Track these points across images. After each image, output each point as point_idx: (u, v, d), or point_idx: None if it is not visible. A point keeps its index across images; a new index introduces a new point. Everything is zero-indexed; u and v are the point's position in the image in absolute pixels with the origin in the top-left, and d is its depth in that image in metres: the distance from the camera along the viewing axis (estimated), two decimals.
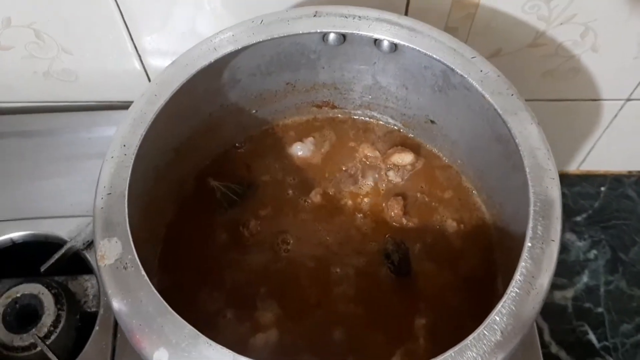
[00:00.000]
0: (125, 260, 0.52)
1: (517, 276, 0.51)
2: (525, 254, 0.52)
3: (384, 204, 0.72)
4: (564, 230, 0.96)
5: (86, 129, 0.84)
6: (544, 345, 0.90)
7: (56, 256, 0.73)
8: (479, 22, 0.75)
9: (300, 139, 0.76)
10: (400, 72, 0.69)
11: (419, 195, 0.73)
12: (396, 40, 0.63)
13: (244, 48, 0.63)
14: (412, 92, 0.71)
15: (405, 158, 0.73)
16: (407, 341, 0.64)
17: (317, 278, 0.68)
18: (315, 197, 0.72)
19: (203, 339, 0.49)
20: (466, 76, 0.60)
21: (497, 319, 0.49)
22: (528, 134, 0.57)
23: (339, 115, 0.78)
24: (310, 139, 0.76)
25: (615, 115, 0.90)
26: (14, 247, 0.77)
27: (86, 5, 0.74)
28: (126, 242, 0.53)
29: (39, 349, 0.68)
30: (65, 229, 0.76)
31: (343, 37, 0.65)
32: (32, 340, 0.69)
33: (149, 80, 0.84)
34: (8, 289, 0.71)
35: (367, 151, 0.75)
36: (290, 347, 0.64)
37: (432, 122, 0.72)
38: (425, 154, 0.75)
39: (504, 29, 0.76)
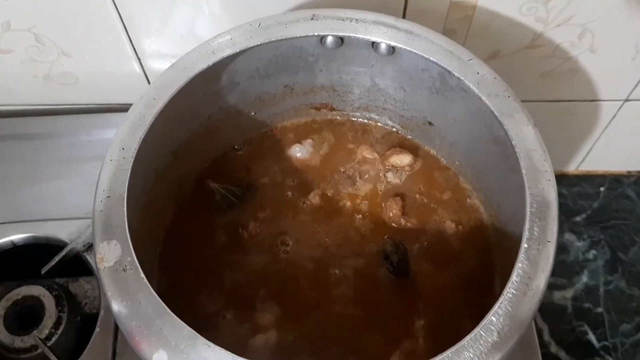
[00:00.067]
0: (125, 262, 0.52)
1: (514, 277, 0.51)
2: (521, 255, 0.52)
3: (382, 205, 0.72)
4: (563, 230, 0.97)
5: (86, 131, 0.85)
6: (544, 345, 0.90)
7: (57, 258, 0.73)
8: (476, 24, 0.75)
9: (299, 141, 0.76)
10: (398, 74, 0.69)
11: (417, 196, 0.73)
12: (393, 43, 0.63)
13: (242, 51, 0.64)
14: (410, 94, 0.71)
15: (403, 159, 0.74)
16: (406, 342, 0.64)
17: (316, 279, 0.68)
18: (314, 198, 0.73)
19: (202, 340, 0.49)
20: (463, 78, 0.61)
21: (494, 319, 0.50)
22: (524, 136, 0.58)
23: (338, 117, 0.78)
24: (309, 140, 0.76)
25: (614, 116, 0.90)
26: (15, 250, 0.77)
27: (86, 9, 0.74)
28: (125, 244, 0.53)
29: (40, 350, 0.69)
30: (66, 231, 0.76)
31: (341, 40, 0.65)
32: (33, 342, 0.69)
33: (149, 82, 0.84)
34: (9, 291, 0.71)
35: (366, 153, 0.75)
36: (289, 348, 0.64)
37: (430, 123, 0.73)
38: (424, 155, 0.75)
39: (502, 31, 0.76)
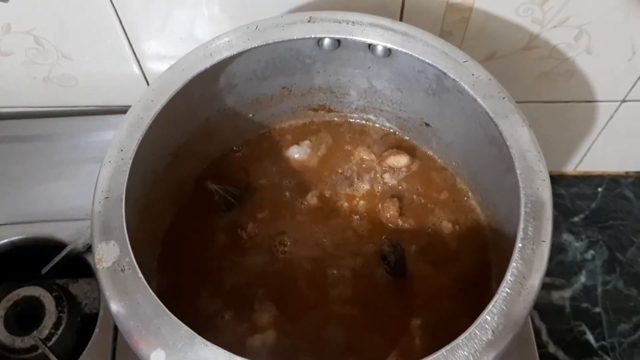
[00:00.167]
0: (123, 263, 0.53)
1: (508, 276, 0.52)
2: (516, 255, 0.52)
3: (380, 206, 0.72)
4: (561, 230, 0.97)
5: (86, 133, 0.85)
6: (542, 345, 0.90)
7: (57, 259, 0.73)
8: (473, 26, 0.75)
9: (296, 142, 0.77)
10: (394, 76, 0.70)
11: (414, 197, 0.73)
12: (389, 45, 0.63)
13: (240, 53, 0.64)
14: (406, 95, 0.71)
15: (400, 160, 0.74)
16: (404, 341, 0.65)
17: (314, 279, 0.69)
18: (312, 199, 0.73)
19: (199, 339, 0.49)
20: (458, 80, 0.61)
21: (489, 318, 0.50)
22: (519, 137, 0.58)
23: (335, 119, 0.79)
24: (307, 142, 0.77)
25: (611, 117, 0.90)
26: (15, 250, 0.78)
27: (85, 11, 0.74)
28: (124, 245, 0.54)
29: (40, 350, 0.69)
30: (66, 232, 0.77)
31: (337, 42, 0.66)
32: (34, 342, 0.69)
33: (148, 84, 0.85)
34: (10, 292, 0.72)
35: (363, 154, 0.75)
36: (287, 347, 0.64)
37: (427, 125, 0.73)
38: (421, 156, 0.76)
39: (499, 32, 0.76)
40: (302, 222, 0.72)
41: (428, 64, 0.63)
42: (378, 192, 0.74)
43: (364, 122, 0.78)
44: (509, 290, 0.51)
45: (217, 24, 0.76)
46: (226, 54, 0.64)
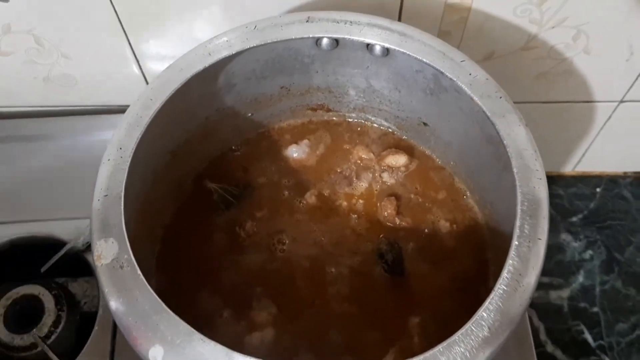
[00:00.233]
0: (122, 260, 0.53)
1: (505, 274, 0.52)
2: (512, 252, 0.53)
3: (378, 205, 0.73)
4: (560, 230, 0.97)
5: (85, 132, 0.85)
6: (540, 345, 0.91)
7: (56, 257, 0.74)
8: (471, 26, 0.76)
9: (295, 141, 0.77)
10: (392, 75, 0.70)
11: (412, 196, 0.73)
12: (387, 45, 0.64)
13: (238, 53, 0.64)
14: (404, 95, 0.72)
15: (398, 160, 0.74)
16: (401, 339, 0.65)
17: (312, 277, 0.69)
18: (311, 198, 0.73)
19: (197, 335, 0.49)
20: (455, 79, 0.61)
21: (485, 315, 0.50)
22: (516, 136, 0.58)
23: (334, 118, 0.79)
24: (306, 141, 0.77)
25: (609, 117, 0.91)
26: (15, 249, 0.78)
27: (85, 11, 0.75)
28: (122, 242, 0.54)
29: (39, 348, 0.69)
30: (65, 231, 0.77)
31: (336, 41, 0.66)
32: (33, 340, 0.69)
33: (147, 84, 0.85)
34: (9, 290, 0.72)
35: (362, 153, 0.76)
36: (285, 345, 0.65)
37: (425, 124, 0.73)
38: (419, 155, 0.76)
39: (497, 33, 0.76)
40: (301, 221, 0.72)
41: (426, 63, 0.63)
42: (376, 191, 0.74)
43: (362, 121, 0.78)
44: (505, 287, 0.51)
45: (216, 23, 0.76)
46: (225, 53, 0.64)
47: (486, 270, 0.68)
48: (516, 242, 0.53)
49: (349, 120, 0.79)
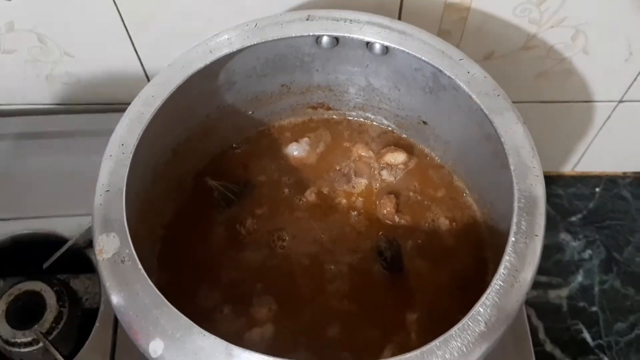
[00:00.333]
0: (123, 254, 0.54)
1: (501, 269, 0.52)
2: (509, 248, 0.53)
3: (377, 203, 0.73)
4: (559, 230, 0.98)
5: (88, 130, 0.86)
6: (539, 344, 0.91)
7: (58, 254, 0.74)
8: (471, 26, 0.76)
9: (295, 139, 0.77)
10: (392, 74, 0.70)
11: (411, 194, 0.74)
12: (386, 43, 0.64)
13: (239, 51, 0.65)
14: (404, 93, 0.72)
15: (397, 157, 0.74)
16: (400, 335, 0.65)
17: (312, 274, 0.69)
18: (310, 196, 0.74)
19: (197, 329, 0.50)
20: (454, 77, 0.62)
21: (481, 310, 0.51)
22: (513, 133, 0.59)
23: (334, 117, 0.79)
24: (306, 139, 0.77)
25: (609, 117, 0.91)
26: (17, 246, 0.78)
27: (87, 9, 0.75)
28: (124, 237, 0.54)
29: (41, 344, 0.69)
30: (67, 228, 0.77)
31: (336, 40, 0.66)
32: (35, 336, 0.69)
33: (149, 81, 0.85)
34: (11, 287, 0.72)
35: (361, 151, 0.76)
36: (285, 341, 0.65)
37: (424, 122, 0.74)
38: (418, 153, 0.76)
39: (496, 32, 0.77)
40: (301, 218, 0.73)
41: (425, 61, 0.63)
42: (376, 189, 0.74)
43: (362, 119, 0.79)
44: (501, 283, 0.52)
45: (217, 21, 0.76)
46: (226, 51, 0.64)
47: (484, 267, 0.68)
48: (513, 239, 0.54)
49: (349, 118, 0.79)
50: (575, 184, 1.03)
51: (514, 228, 0.54)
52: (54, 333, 0.70)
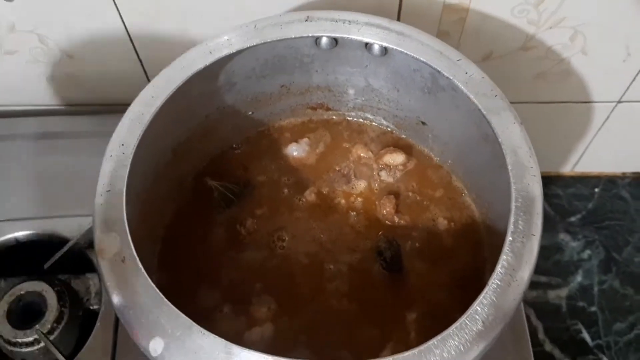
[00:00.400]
0: (123, 254, 0.54)
1: (499, 269, 0.53)
2: (506, 248, 0.54)
3: (376, 203, 0.73)
4: (558, 230, 0.98)
5: (89, 130, 0.86)
6: (538, 344, 0.91)
7: (59, 254, 0.74)
8: (469, 26, 0.76)
9: (295, 140, 0.77)
10: (391, 74, 0.70)
11: (410, 194, 0.74)
12: (385, 44, 0.65)
13: (239, 51, 0.65)
14: (403, 94, 0.72)
15: (397, 158, 0.75)
16: (399, 335, 0.65)
17: (311, 274, 0.69)
18: (310, 196, 0.74)
19: (197, 328, 0.50)
20: (452, 78, 0.62)
21: (479, 309, 0.51)
22: (510, 133, 0.59)
23: (333, 117, 0.79)
24: (305, 140, 0.77)
25: (607, 118, 0.91)
26: (19, 246, 0.79)
27: (88, 11, 0.75)
28: (124, 236, 0.55)
29: (42, 344, 0.70)
30: (68, 228, 0.77)
31: (335, 41, 0.67)
32: (36, 336, 0.70)
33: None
34: (12, 287, 0.72)
35: (361, 152, 0.76)
36: (285, 340, 0.65)
37: (423, 123, 0.74)
38: (417, 154, 0.77)
39: (495, 33, 0.77)
40: (300, 219, 0.73)
41: (423, 62, 0.64)
42: (375, 189, 0.75)
43: (361, 120, 0.79)
44: (499, 282, 0.52)
45: (216, 22, 0.77)
46: (225, 52, 0.65)
47: (483, 267, 0.68)
48: (510, 238, 0.54)
49: (348, 119, 0.79)
50: (575, 185, 1.03)
51: (511, 227, 0.54)
52: (55, 333, 0.71)
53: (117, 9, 0.75)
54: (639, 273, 0.96)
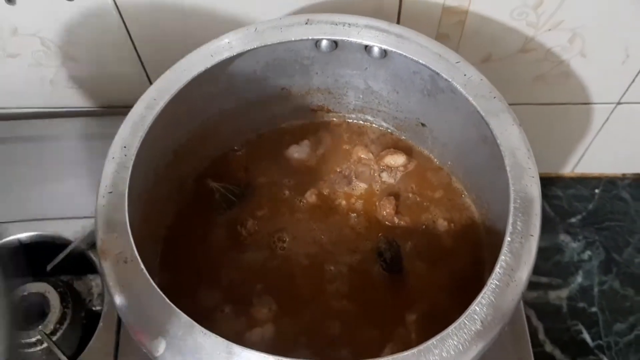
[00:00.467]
0: (126, 255, 0.54)
1: (497, 269, 0.53)
2: (505, 248, 0.54)
3: (376, 204, 0.74)
4: (558, 231, 0.98)
5: (91, 133, 0.87)
6: (539, 344, 0.91)
7: (61, 256, 0.74)
8: (469, 29, 0.77)
9: (296, 141, 0.78)
10: (390, 77, 0.71)
11: (410, 195, 0.74)
12: (384, 47, 0.65)
13: (239, 54, 0.65)
14: (402, 96, 0.73)
15: (397, 160, 0.75)
16: (399, 335, 0.66)
17: (312, 275, 0.70)
18: (311, 197, 0.74)
19: (198, 328, 0.51)
20: (451, 80, 0.62)
21: (477, 309, 0.51)
22: (509, 135, 0.59)
23: (334, 119, 0.80)
24: (306, 141, 0.78)
25: (607, 119, 0.91)
26: (22, 248, 0.79)
27: (90, 14, 0.76)
28: (126, 237, 0.55)
29: (45, 345, 0.70)
30: (71, 230, 0.78)
31: (335, 43, 0.67)
32: (39, 337, 0.70)
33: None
34: (16, 288, 0.72)
35: (361, 153, 0.76)
36: (285, 341, 0.65)
37: (423, 125, 0.74)
38: (417, 155, 0.77)
39: (494, 35, 0.77)
40: (301, 220, 0.73)
41: (422, 64, 0.64)
42: (375, 190, 0.75)
43: (361, 122, 0.79)
44: (497, 282, 0.52)
45: (217, 27, 0.77)
46: (226, 55, 0.65)
47: (482, 268, 0.69)
48: (509, 239, 0.54)
49: (349, 121, 0.80)
50: (575, 186, 1.04)
51: (509, 228, 0.55)
52: (58, 334, 0.71)
53: (119, 12, 0.75)
54: (639, 274, 0.96)
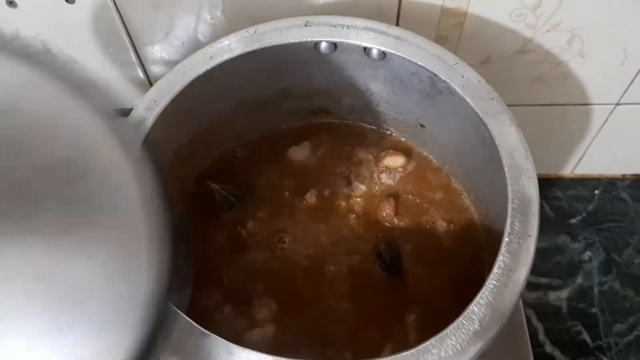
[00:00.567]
0: None
1: (495, 269, 0.53)
2: (503, 249, 0.54)
3: (376, 205, 0.74)
4: (559, 232, 0.98)
5: None
6: (539, 345, 0.91)
7: None
8: (467, 31, 0.77)
9: (296, 143, 0.78)
10: (390, 78, 0.71)
11: (410, 196, 0.75)
12: (383, 49, 0.65)
13: (239, 56, 0.66)
14: (402, 97, 0.73)
15: (396, 161, 0.75)
16: (398, 336, 0.66)
17: (312, 276, 0.70)
18: (311, 198, 0.75)
19: (198, 329, 0.51)
20: (449, 81, 0.63)
21: (476, 309, 0.52)
22: (507, 136, 0.60)
23: (334, 121, 0.80)
24: (306, 143, 0.78)
25: (606, 120, 0.91)
26: None
27: (90, 16, 0.76)
28: None
29: None
30: None
31: (334, 45, 0.67)
32: None
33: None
34: None
35: (361, 154, 0.77)
36: (286, 341, 0.66)
37: (422, 126, 0.75)
38: (416, 157, 0.77)
39: (493, 37, 0.77)
40: (301, 221, 0.74)
41: (421, 66, 0.64)
42: (375, 191, 0.75)
43: (361, 123, 0.80)
44: (495, 283, 0.53)
45: (218, 29, 0.78)
46: (226, 57, 0.65)
47: (482, 268, 0.69)
48: (507, 239, 0.55)
49: (348, 122, 0.80)
50: (575, 186, 1.04)
51: (507, 229, 0.55)
52: None
53: (119, 14, 0.76)
54: (639, 274, 0.96)
